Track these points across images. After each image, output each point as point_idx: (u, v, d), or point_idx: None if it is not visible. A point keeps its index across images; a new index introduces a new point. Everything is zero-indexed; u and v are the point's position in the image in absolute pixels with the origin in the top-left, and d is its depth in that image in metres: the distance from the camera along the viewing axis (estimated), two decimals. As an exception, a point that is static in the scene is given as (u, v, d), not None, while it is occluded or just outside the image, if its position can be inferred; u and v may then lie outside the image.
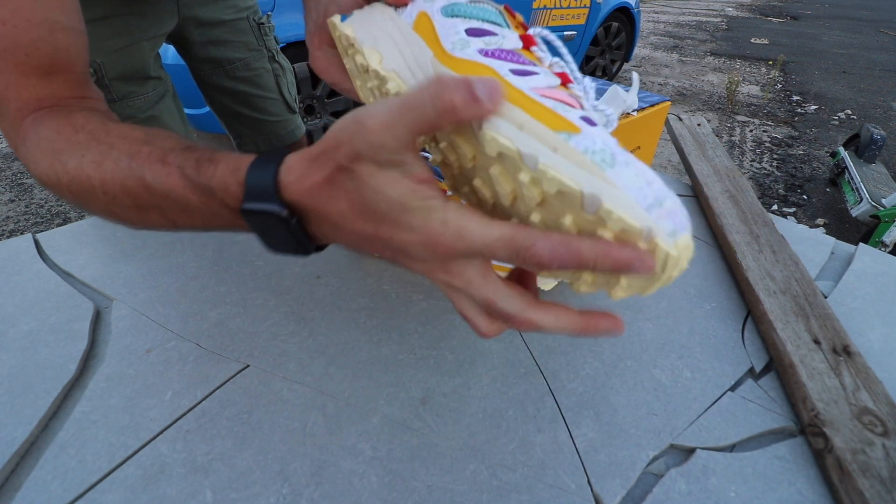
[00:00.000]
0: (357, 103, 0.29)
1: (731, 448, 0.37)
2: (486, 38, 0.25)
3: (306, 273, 0.52)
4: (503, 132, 0.20)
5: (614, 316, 0.23)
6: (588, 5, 3.27)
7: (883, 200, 1.88)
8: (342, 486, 0.33)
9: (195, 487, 0.33)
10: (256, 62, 0.82)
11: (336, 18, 0.31)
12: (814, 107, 3.69)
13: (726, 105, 3.63)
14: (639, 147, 0.62)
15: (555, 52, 0.26)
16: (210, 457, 0.35)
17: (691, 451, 0.37)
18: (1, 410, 0.37)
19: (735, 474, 0.35)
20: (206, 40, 0.76)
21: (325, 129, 2.39)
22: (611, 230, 0.19)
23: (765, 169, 2.70)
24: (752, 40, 6.01)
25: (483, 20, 0.26)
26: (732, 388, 0.41)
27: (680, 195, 0.71)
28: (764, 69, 4.69)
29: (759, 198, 2.35)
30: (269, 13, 0.85)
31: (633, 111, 0.54)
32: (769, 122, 3.35)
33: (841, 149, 2.36)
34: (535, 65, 0.25)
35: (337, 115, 2.40)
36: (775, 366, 0.44)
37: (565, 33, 3.25)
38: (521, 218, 0.24)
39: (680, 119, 0.90)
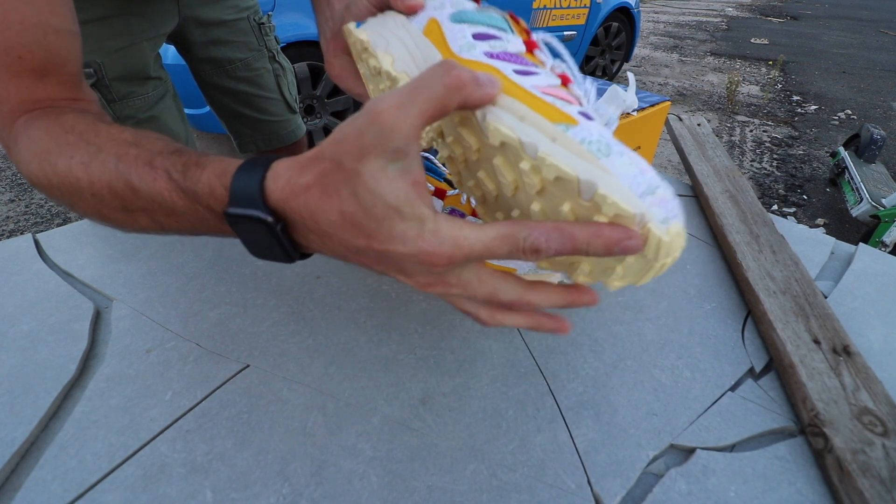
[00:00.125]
0: (357, 103, 0.30)
1: (731, 448, 0.37)
2: (492, 42, 0.27)
3: (306, 273, 0.52)
4: (506, 123, 0.22)
5: (592, 290, 0.25)
6: (588, 5, 3.27)
7: (883, 200, 1.88)
8: (342, 486, 0.33)
9: (195, 487, 0.33)
10: (257, 62, 0.82)
11: (351, 25, 0.33)
12: (814, 107, 3.69)
13: (726, 105, 3.63)
14: (639, 147, 0.62)
15: (557, 55, 0.28)
16: (210, 457, 0.35)
17: (691, 451, 0.37)
18: (1, 410, 0.37)
19: (735, 474, 0.35)
20: (207, 40, 0.76)
21: (325, 128, 2.39)
22: (606, 216, 0.20)
23: (765, 169, 2.70)
24: (752, 40, 6.01)
25: (489, 26, 0.28)
26: (732, 388, 0.41)
27: (680, 195, 0.71)
28: (764, 69, 4.69)
29: (759, 198, 2.35)
30: (270, 13, 0.85)
31: (633, 111, 0.54)
32: (769, 122, 3.35)
33: (841, 149, 2.36)
34: (537, 66, 0.26)
35: (337, 115, 2.40)
36: (775, 366, 0.44)
37: (565, 33, 3.25)
38: (522, 209, 0.25)
39: (680, 119, 0.90)
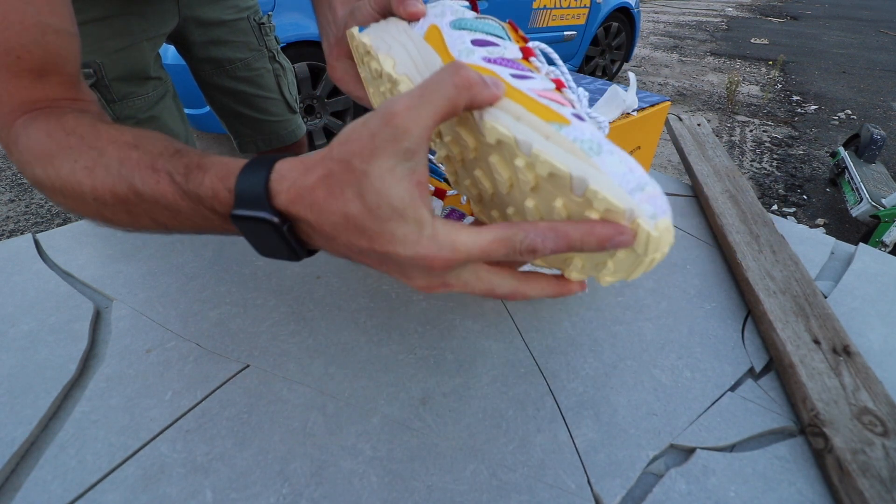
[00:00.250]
0: (357, 105, 0.31)
1: (731, 448, 0.37)
2: (490, 48, 0.28)
3: (306, 273, 0.52)
4: (502, 122, 0.23)
5: (583, 282, 0.26)
6: (588, 5, 3.27)
7: (883, 200, 1.88)
8: (342, 486, 0.33)
9: (195, 487, 0.33)
10: (257, 62, 0.82)
11: (354, 30, 0.35)
12: (814, 107, 3.69)
13: (726, 105, 3.63)
14: (639, 147, 0.62)
15: (551, 62, 0.29)
16: (210, 457, 0.35)
17: (691, 451, 0.37)
18: (1, 410, 0.37)
19: (735, 474, 0.35)
20: (207, 40, 0.76)
21: (325, 128, 2.39)
22: (597, 211, 0.21)
23: (765, 169, 2.70)
24: (752, 40, 6.01)
25: (487, 33, 0.29)
26: (732, 388, 0.41)
27: (680, 195, 0.71)
28: (764, 69, 4.69)
29: (759, 198, 2.35)
30: (270, 13, 0.85)
31: (633, 111, 0.54)
32: (769, 122, 3.36)
33: (841, 149, 2.36)
34: (532, 72, 0.27)
35: (337, 115, 2.40)
36: (775, 366, 0.44)
37: (565, 33, 3.25)
38: (517, 206, 0.26)
39: (680, 119, 0.90)
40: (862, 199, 1.95)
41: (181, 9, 0.70)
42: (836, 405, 0.38)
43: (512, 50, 0.28)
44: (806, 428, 0.38)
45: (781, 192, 2.47)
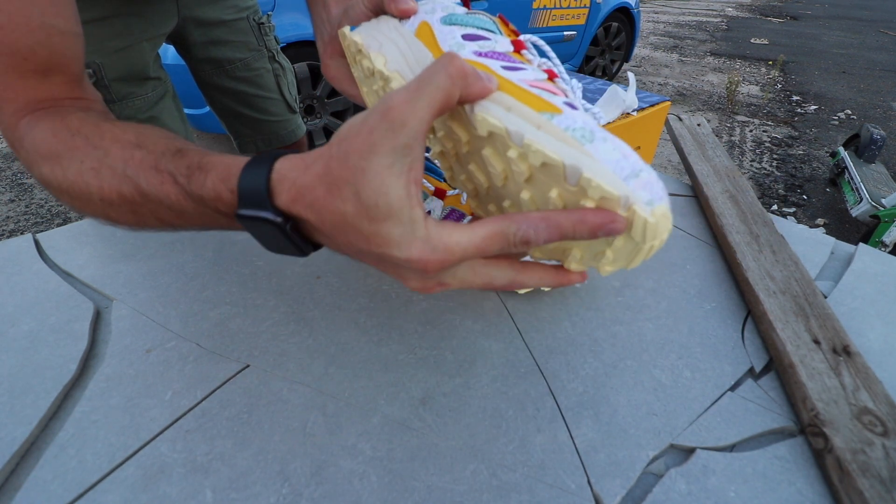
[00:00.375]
0: (357, 106, 0.31)
1: (731, 448, 0.37)
2: (480, 42, 0.28)
3: (306, 273, 0.52)
4: (493, 113, 0.23)
5: (583, 272, 0.26)
6: (588, 5, 3.27)
7: (883, 200, 1.88)
8: (342, 486, 0.33)
9: (195, 487, 0.33)
10: (257, 62, 0.82)
11: (346, 29, 0.34)
12: (814, 107, 3.69)
13: (726, 105, 3.63)
14: (639, 147, 0.62)
15: (543, 54, 0.29)
16: (210, 457, 0.35)
17: (691, 451, 0.37)
18: (1, 410, 0.37)
19: (735, 474, 0.35)
20: (207, 40, 0.76)
21: (325, 128, 2.39)
22: (592, 199, 0.21)
23: (765, 169, 2.70)
24: (752, 40, 6.01)
25: (478, 28, 0.29)
26: (732, 388, 0.41)
27: (680, 195, 0.71)
28: (764, 69, 4.69)
29: (759, 198, 2.35)
30: (270, 13, 0.85)
31: (633, 111, 0.54)
32: (769, 122, 3.36)
33: (841, 149, 2.36)
34: (524, 64, 0.27)
35: (337, 115, 2.40)
36: (775, 366, 0.44)
37: (565, 33, 3.25)
38: (512, 198, 0.26)
39: (680, 119, 0.90)
40: (862, 199, 1.95)
41: (181, 9, 0.70)
42: (836, 405, 0.38)
43: (503, 43, 0.28)
44: (806, 428, 0.38)
45: (781, 192, 2.47)
